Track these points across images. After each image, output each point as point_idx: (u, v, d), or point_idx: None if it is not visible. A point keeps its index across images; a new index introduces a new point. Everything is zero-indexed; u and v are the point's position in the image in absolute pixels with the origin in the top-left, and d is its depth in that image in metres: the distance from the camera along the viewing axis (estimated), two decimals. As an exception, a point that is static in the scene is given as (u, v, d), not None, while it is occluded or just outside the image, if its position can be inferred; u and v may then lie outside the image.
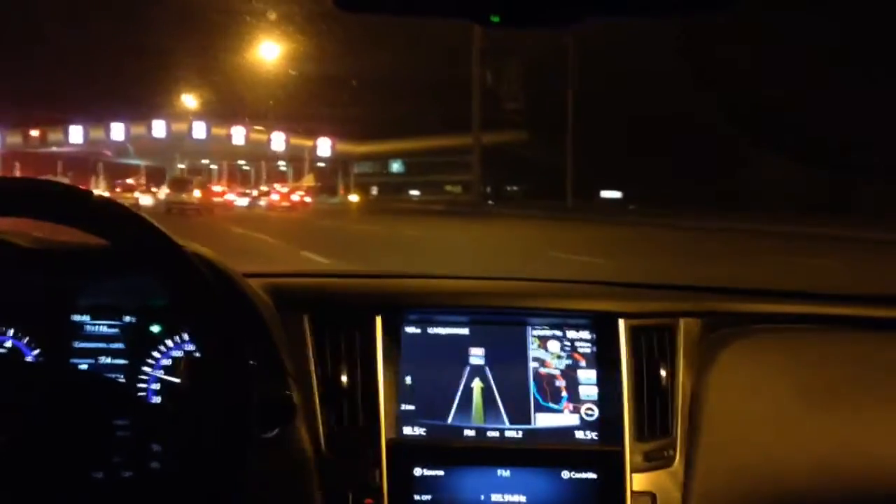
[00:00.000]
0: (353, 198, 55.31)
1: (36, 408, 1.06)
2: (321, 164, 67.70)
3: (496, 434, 1.56)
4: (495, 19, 1.03)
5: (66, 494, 1.04)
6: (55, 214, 1.08)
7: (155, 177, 64.86)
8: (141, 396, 1.51)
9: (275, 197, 41.44)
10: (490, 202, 42.97)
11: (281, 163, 67.22)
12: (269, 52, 25.91)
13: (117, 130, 54.79)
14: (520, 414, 1.57)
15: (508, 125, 45.81)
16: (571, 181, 36.02)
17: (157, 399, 1.54)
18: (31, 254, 1.55)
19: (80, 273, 1.58)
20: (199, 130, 56.41)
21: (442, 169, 67.80)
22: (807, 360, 1.50)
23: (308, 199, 45.59)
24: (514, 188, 51.94)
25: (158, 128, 55.67)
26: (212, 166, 63.79)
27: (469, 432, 1.56)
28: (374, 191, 67.58)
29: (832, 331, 1.60)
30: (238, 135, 54.38)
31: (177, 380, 1.50)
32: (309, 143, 58.25)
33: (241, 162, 66.88)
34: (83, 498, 1.05)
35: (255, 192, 44.99)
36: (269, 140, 56.13)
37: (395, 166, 72.32)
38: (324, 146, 58.86)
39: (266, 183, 64.88)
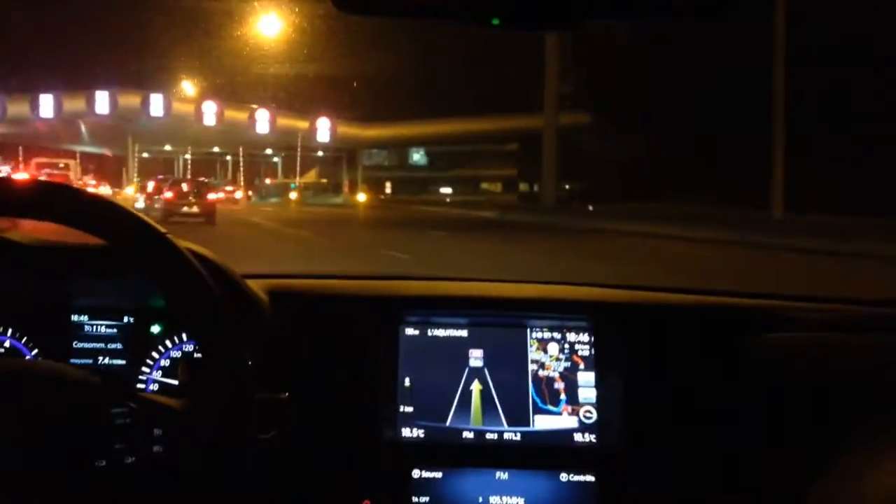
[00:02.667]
0: (361, 197, 47.26)
1: (34, 402, 1.06)
2: (321, 154, 53.59)
3: (495, 436, 1.55)
4: (496, 22, 1.04)
5: (70, 484, 1.04)
6: (53, 214, 1.08)
7: (104, 167, 49.56)
8: (140, 388, 1.52)
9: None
10: (585, 207, 30.61)
11: (268, 150, 53.31)
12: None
13: (46, 105, 40.82)
14: (518, 416, 1.55)
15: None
16: (782, 183, 21.95)
17: (155, 387, 1.55)
18: (31, 253, 1.55)
19: (79, 273, 1.58)
20: (157, 106, 41.50)
21: (475, 161, 53.45)
22: (810, 363, 1.44)
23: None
24: (570, 187, 43.92)
25: (101, 101, 41.13)
26: (185, 156, 49.97)
27: (468, 434, 1.54)
28: (388, 188, 53.19)
29: (844, 333, 1.55)
30: (208, 113, 45.93)
31: (174, 381, 1.50)
32: (302, 124, 48.54)
33: (215, 149, 52.77)
34: (88, 486, 1.04)
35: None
36: (250, 120, 47.76)
37: (416, 157, 57.95)
38: (322, 129, 44.26)
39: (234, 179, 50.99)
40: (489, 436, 1.54)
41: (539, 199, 36.77)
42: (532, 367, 1.58)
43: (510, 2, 1.04)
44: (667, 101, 30.41)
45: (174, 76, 43.50)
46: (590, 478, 1.51)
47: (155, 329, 1.58)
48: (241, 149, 50.79)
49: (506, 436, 1.55)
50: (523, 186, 50.30)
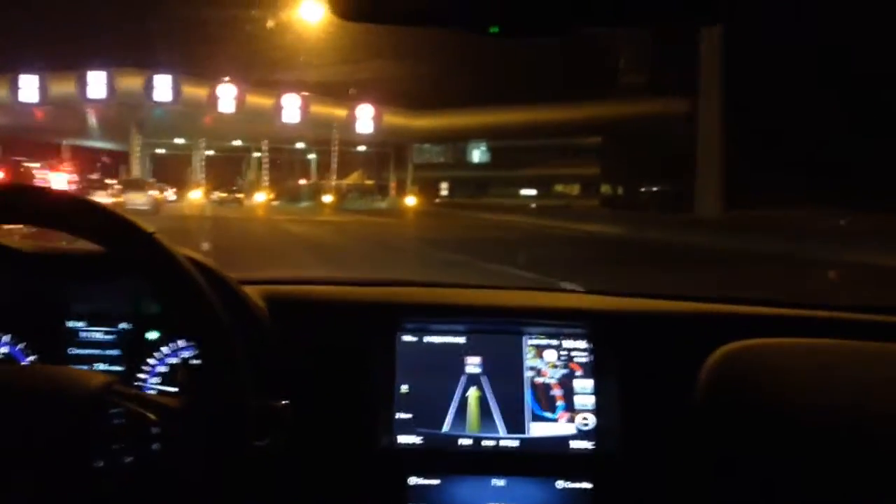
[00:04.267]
0: (410, 200, 40.86)
1: (30, 404, 1.07)
2: (363, 150, 45.32)
3: (492, 443, 1.56)
4: (494, 30, 1.08)
5: (70, 486, 1.05)
6: (49, 220, 1.09)
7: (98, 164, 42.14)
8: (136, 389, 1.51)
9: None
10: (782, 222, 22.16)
11: (299, 144, 45.42)
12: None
13: (29, 87, 33.59)
14: (515, 423, 1.57)
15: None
16: None
17: (153, 390, 1.57)
18: (26, 259, 1.58)
19: (75, 279, 1.60)
20: (163, 89, 33.73)
21: (547, 158, 44.48)
22: (813, 369, 1.43)
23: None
24: (658, 189, 38.00)
25: (96, 83, 33.76)
26: (206, 151, 42.41)
27: (465, 441, 1.56)
28: (444, 189, 44.49)
29: (840, 339, 1.53)
30: (226, 98, 38.57)
31: (172, 388, 1.54)
32: (340, 112, 41.42)
33: (235, 143, 45.06)
34: (88, 487, 1.05)
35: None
36: (276, 107, 40.19)
37: (476, 154, 49.18)
38: (364, 118, 36.09)
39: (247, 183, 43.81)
40: (486, 443, 1.55)
41: (686, 207, 29.98)
42: (529, 374, 1.58)
43: (508, 10, 1.07)
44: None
45: (185, 54, 35.77)
46: (587, 485, 1.53)
47: (152, 335, 1.58)
48: (265, 146, 42.88)
49: (503, 443, 1.55)
50: (605, 189, 41.71)
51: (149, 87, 35.44)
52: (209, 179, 50.37)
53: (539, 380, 1.57)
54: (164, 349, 1.56)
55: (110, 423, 1.06)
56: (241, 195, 43.99)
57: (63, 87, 34.73)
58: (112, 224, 1.08)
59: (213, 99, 36.25)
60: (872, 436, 1.19)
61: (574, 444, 1.55)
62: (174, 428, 1.09)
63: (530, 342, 1.60)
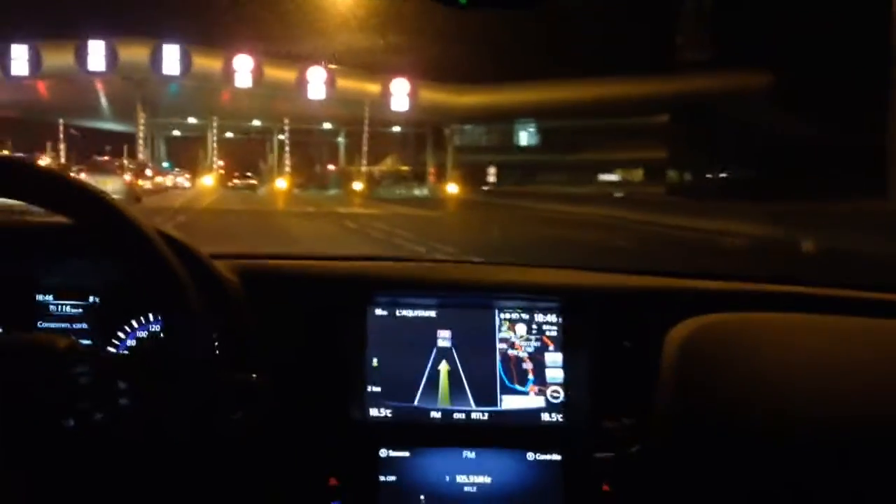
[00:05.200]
0: (452, 188, 36.28)
1: None
2: (398, 131, 40.81)
3: (462, 416, 1.59)
4: (463, 1, 1.08)
5: (43, 447, 1.07)
6: (18, 191, 1.09)
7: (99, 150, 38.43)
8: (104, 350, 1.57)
9: None
10: None
11: (326, 125, 41.01)
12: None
13: (21, 58, 29.93)
14: (486, 396, 1.60)
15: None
16: None
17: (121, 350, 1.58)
18: None
19: (43, 252, 1.59)
20: (172, 61, 29.67)
21: (603, 140, 41.39)
22: (776, 343, 1.44)
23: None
24: (726, 175, 34.88)
25: (96, 54, 29.85)
26: (226, 133, 38.30)
27: (435, 414, 1.58)
28: (491, 175, 39.61)
29: (805, 314, 1.56)
30: (242, 70, 34.01)
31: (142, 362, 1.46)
32: (372, 88, 36.18)
33: (255, 122, 40.89)
34: (60, 447, 1.08)
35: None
36: (299, 81, 35.21)
37: (524, 136, 44.22)
38: (399, 94, 38.33)
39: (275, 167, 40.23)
40: (457, 415, 1.58)
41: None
42: (500, 347, 1.61)
43: None
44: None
45: (196, 21, 31.76)
46: (556, 457, 1.56)
47: (121, 309, 1.58)
48: (285, 125, 38.47)
49: (473, 415, 1.58)
50: (672, 175, 36.90)
51: (156, 58, 31.43)
52: (228, 164, 46.64)
53: (510, 353, 1.59)
54: (134, 323, 1.56)
55: (77, 381, 1.08)
56: (254, 181, 40.81)
57: (59, 59, 31.34)
58: (86, 198, 1.07)
59: (227, 72, 32.13)
60: (840, 406, 1.22)
61: (544, 417, 1.58)
62: (142, 383, 1.11)
63: (502, 316, 1.62)
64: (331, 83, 33.01)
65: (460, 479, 1.53)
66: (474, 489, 1.53)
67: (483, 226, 18.21)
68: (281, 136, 42.17)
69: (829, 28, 26.58)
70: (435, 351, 1.58)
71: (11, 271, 1.58)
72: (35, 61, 30.38)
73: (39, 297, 1.59)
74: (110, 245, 1.11)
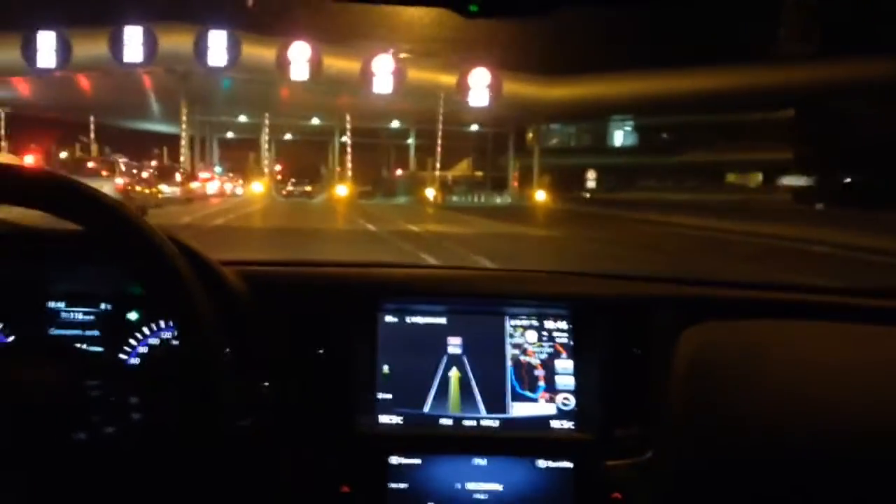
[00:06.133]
0: (541, 195, 31.50)
1: (8, 381, 1.12)
2: (475, 130, 36.38)
3: (472, 423, 1.60)
4: (474, 9, 1.08)
5: (52, 460, 1.09)
6: (28, 199, 1.10)
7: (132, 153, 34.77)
8: (115, 360, 1.58)
9: None
10: None
11: (395, 123, 36.83)
12: None
13: (47, 48, 26.39)
14: (496, 403, 1.61)
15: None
16: None
17: (133, 360, 1.60)
18: (4, 239, 1.58)
19: (55, 259, 1.61)
20: (219, 50, 29.35)
21: (713, 139, 36.24)
22: (785, 350, 1.43)
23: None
24: (850, 181, 29.76)
25: (133, 43, 25.94)
26: (288, 136, 34.82)
27: (445, 421, 1.59)
28: (591, 180, 34.51)
29: (812, 321, 1.52)
30: (299, 60, 29.55)
31: (153, 369, 1.51)
32: (446, 79, 30.94)
33: (314, 121, 36.86)
34: (70, 460, 1.10)
35: None
36: (364, 73, 30.25)
37: (618, 136, 39.15)
38: (478, 86, 31.27)
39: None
40: (467, 423, 1.58)
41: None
42: (510, 354, 1.61)
43: None
44: None
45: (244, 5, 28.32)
46: (567, 464, 1.56)
47: (132, 316, 1.59)
48: (347, 124, 34.27)
49: (483, 423, 1.59)
50: (789, 180, 31.64)
51: (201, 46, 27.38)
52: (285, 169, 42.84)
53: (520, 360, 1.60)
54: (145, 330, 1.57)
55: (88, 394, 1.10)
56: (308, 188, 37.40)
57: (91, 48, 27.69)
58: (103, 208, 1.08)
59: (282, 62, 27.87)
60: (852, 416, 1.22)
61: (554, 424, 1.58)
62: (152, 397, 1.13)
63: (512, 322, 1.63)
64: (400, 75, 28.61)
65: (471, 486, 1.53)
66: (485, 497, 1.53)
67: (637, 253, 12.34)
68: (343, 139, 38.01)
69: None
70: (445, 358, 1.59)
71: (23, 278, 1.60)
72: (63, 51, 26.83)
73: (51, 304, 1.59)
74: (120, 252, 1.11)
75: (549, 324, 1.63)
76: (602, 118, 37.89)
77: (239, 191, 35.99)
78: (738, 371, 1.34)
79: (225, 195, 32.37)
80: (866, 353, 1.33)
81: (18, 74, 27.98)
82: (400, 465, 1.53)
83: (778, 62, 30.08)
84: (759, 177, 37.57)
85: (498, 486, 1.53)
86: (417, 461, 1.53)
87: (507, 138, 37.07)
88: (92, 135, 31.79)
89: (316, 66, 28.42)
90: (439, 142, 31.83)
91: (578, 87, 30.45)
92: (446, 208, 27.62)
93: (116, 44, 27.51)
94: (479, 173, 40.80)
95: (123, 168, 17.49)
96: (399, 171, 43.37)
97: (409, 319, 1.61)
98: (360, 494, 1.50)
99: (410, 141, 42.34)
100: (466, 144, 42.51)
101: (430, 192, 32.23)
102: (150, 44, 27.50)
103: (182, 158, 30.16)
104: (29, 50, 26.85)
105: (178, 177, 23.26)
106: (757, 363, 1.34)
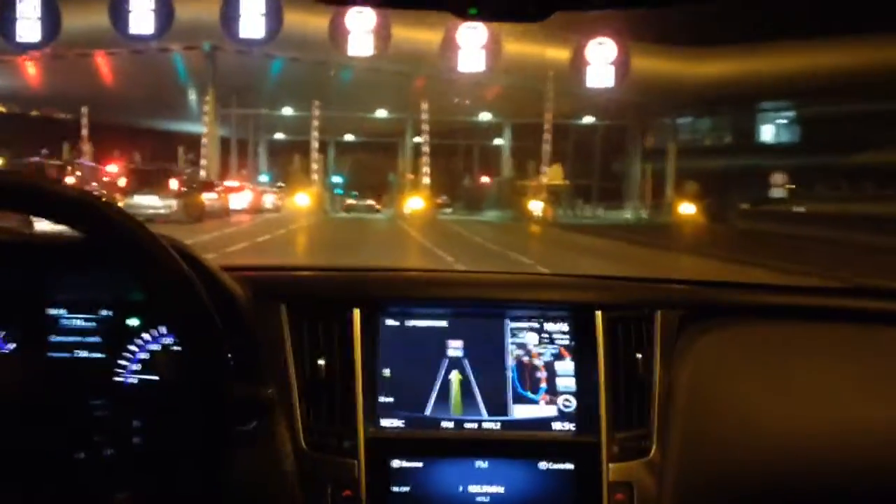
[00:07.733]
0: (688, 208, 24.15)
1: (12, 395, 1.16)
2: (585, 122, 28.92)
3: (474, 426, 1.62)
4: (473, 11, 1.10)
5: (51, 477, 1.13)
6: (29, 206, 1.13)
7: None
8: (118, 381, 1.60)
9: None
10: None
11: (485, 115, 29.77)
12: None
13: (30, 20, 18.50)
14: (497, 406, 1.64)
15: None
16: None
17: (133, 379, 1.60)
18: (5, 246, 1.63)
19: (55, 266, 1.64)
20: (251, 17, 22.02)
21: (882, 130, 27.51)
22: (784, 352, 1.57)
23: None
24: None
25: (141, 11, 17.20)
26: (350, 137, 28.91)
27: (447, 424, 1.62)
28: (778, 189, 26.87)
29: (809, 323, 1.66)
30: (359, 30, 22.16)
31: (154, 377, 1.58)
32: (559, 55, 23.31)
33: (380, 114, 30.02)
34: (68, 479, 1.14)
35: None
36: (446, 46, 23.30)
37: (768, 130, 31.28)
38: (599, 62, 23.35)
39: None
40: (468, 425, 1.61)
41: None
42: (511, 357, 1.64)
43: None
44: None
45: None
46: (569, 466, 1.58)
47: (133, 322, 1.61)
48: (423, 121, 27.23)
49: (485, 425, 1.61)
50: None
51: (229, 15, 20.71)
52: (349, 178, 36.40)
53: (521, 362, 1.62)
54: (146, 336, 1.59)
55: (91, 414, 1.14)
56: (372, 202, 32.00)
57: (87, 18, 22.35)
58: (104, 215, 1.10)
59: (337, 34, 20.96)
60: (850, 414, 1.25)
61: (556, 426, 1.61)
62: (156, 421, 1.16)
63: (512, 325, 1.65)
64: (493, 49, 21.46)
65: (473, 489, 1.55)
66: (487, 499, 1.55)
67: None
68: (418, 139, 31.05)
69: None
70: (446, 361, 1.62)
71: (22, 285, 1.62)
72: (50, 22, 20.55)
73: (51, 311, 1.61)
74: (121, 258, 1.12)
75: (549, 326, 1.66)
76: (748, 109, 30.54)
77: (269, 205, 29.69)
78: (738, 372, 1.40)
79: (261, 209, 26.40)
80: (866, 354, 1.39)
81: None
82: (402, 468, 1.55)
83: None
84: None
85: (500, 489, 1.56)
86: (419, 464, 1.56)
87: (624, 134, 29.85)
88: (84, 132, 25.59)
89: (383, 37, 21.52)
90: (547, 136, 24.48)
91: (735, 62, 23.21)
92: (562, 227, 20.95)
93: (119, 12, 21.18)
94: (566, 182, 33.60)
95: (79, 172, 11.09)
96: (484, 178, 36.61)
97: (409, 323, 1.64)
98: (363, 498, 1.52)
99: (502, 141, 34.95)
100: (556, 146, 35.14)
101: (537, 206, 25.40)
102: (164, 11, 21.11)
103: (203, 161, 23.60)
104: (7, 21, 20.67)
105: (173, 184, 16.72)
106: (758, 364, 1.39)
